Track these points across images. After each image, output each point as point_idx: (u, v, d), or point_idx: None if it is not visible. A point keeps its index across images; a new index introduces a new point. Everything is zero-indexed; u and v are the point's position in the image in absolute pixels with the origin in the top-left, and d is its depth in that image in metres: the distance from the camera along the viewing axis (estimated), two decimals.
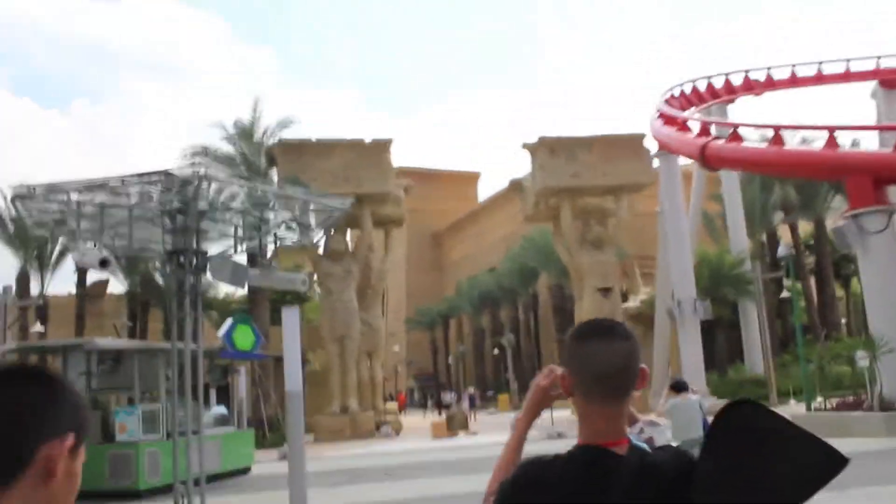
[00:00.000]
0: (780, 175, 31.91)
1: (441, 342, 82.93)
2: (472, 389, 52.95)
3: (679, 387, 11.22)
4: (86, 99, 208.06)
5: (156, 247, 15.66)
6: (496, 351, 66.88)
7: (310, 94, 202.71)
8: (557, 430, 22.76)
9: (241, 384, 21.91)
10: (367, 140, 36.34)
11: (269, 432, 30.13)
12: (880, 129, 24.48)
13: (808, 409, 22.82)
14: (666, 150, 30.88)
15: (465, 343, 77.23)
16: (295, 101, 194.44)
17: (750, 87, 37.35)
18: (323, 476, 18.27)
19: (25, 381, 1.21)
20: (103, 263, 12.76)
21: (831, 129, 22.24)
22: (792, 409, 26.88)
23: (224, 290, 48.75)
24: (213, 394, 21.95)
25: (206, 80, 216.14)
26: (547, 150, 36.83)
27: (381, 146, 36.32)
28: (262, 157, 38.55)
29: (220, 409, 20.52)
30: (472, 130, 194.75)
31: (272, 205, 15.85)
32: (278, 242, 17.15)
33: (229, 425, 20.08)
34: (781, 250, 30.33)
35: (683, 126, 28.75)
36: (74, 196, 13.65)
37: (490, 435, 26.14)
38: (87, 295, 46.01)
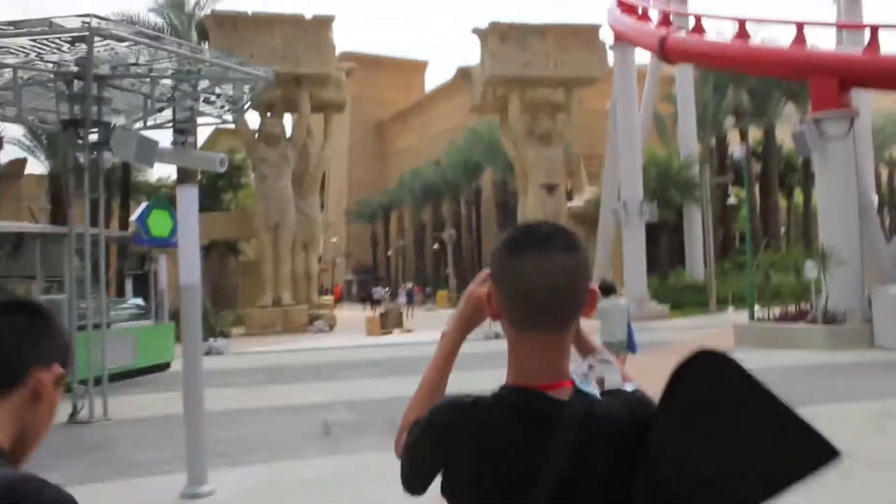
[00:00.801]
0: (742, 72, 30.50)
1: (381, 235, 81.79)
2: (409, 284, 52.01)
3: (607, 289, 10.78)
4: None
5: (52, 117, 13.78)
6: (437, 246, 66.02)
7: None
8: (496, 331, 21.42)
9: (162, 274, 20.30)
10: (308, 16, 33.92)
11: None
12: (849, 27, 23.25)
13: (752, 317, 22.38)
14: (623, 40, 29.26)
15: (405, 237, 76.13)
16: None
17: None
18: (244, 373, 17.14)
19: (22, 310, 1.26)
20: None
21: (799, 25, 20.97)
22: (732, 317, 26.65)
23: (156, 174, 46.32)
24: (128, 284, 20.40)
25: None
26: (498, 36, 34.95)
27: (323, 23, 33.97)
28: (192, 31, 35.82)
29: (137, 301, 19.03)
30: (422, 17, 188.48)
31: (188, 71, 13.98)
32: (197, 116, 15.37)
33: (147, 318, 18.62)
34: (736, 152, 29.49)
35: (643, 15, 27.08)
36: None
37: (425, 333, 25.17)
38: (1, 175, 43.00)
